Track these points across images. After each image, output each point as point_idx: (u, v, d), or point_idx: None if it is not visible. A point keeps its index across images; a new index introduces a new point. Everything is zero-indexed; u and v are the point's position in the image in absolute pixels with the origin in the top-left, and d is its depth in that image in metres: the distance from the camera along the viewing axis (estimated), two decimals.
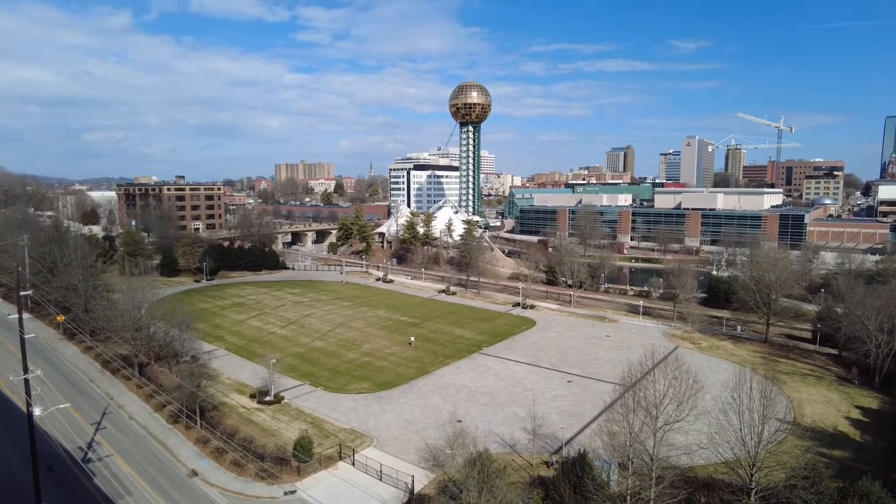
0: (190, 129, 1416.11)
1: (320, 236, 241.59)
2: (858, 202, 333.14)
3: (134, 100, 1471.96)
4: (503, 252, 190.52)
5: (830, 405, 66.06)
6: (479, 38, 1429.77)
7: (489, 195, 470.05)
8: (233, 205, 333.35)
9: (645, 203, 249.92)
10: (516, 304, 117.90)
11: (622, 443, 43.02)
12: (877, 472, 44.32)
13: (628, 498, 41.22)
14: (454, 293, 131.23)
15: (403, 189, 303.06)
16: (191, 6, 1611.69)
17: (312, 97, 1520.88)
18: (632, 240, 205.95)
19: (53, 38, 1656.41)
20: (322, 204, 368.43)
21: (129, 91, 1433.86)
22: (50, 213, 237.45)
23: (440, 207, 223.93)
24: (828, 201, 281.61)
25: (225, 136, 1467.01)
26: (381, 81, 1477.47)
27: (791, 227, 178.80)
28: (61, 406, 50.78)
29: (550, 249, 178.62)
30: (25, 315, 64.84)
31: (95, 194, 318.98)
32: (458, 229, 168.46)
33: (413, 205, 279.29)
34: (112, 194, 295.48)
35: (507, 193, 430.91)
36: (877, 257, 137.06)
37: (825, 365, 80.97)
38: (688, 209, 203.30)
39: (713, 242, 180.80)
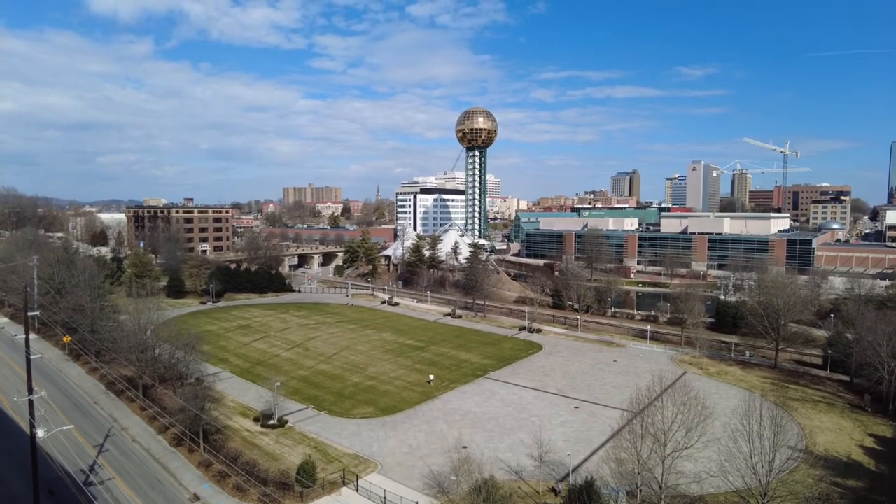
0: (202, 152, 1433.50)
1: (327, 259, 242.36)
2: (866, 228, 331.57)
3: (148, 124, 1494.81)
4: (509, 275, 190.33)
5: (843, 433, 64.78)
6: (490, 66, 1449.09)
7: (495, 219, 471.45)
8: (240, 227, 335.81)
9: (651, 227, 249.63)
10: (522, 328, 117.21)
11: (630, 470, 42.37)
12: (893, 503, 43.20)
13: None
14: (460, 316, 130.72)
15: (410, 212, 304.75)
16: (211, 34, 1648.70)
17: (324, 123, 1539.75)
18: (638, 264, 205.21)
19: (76, 65, 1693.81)
20: (329, 227, 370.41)
21: (144, 115, 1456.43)
22: (60, 234, 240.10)
23: (446, 230, 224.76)
24: (835, 226, 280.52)
25: (236, 159, 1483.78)
26: (392, 108, 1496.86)
27: (799, 251, 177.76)
28: (64, 428, 50.64)
29: (556, 273, 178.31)
30: (32, 336, 65.07)
31: (105, 216, 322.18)
32: (464, 252, 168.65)
33: (419, 228, 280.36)
34: (121, 216, 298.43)
35: (512, 217, 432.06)
36: (887, 282, 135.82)
37: (837, 392, 79.62)
38: (694, 233, 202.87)
39: (720, 267, 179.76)
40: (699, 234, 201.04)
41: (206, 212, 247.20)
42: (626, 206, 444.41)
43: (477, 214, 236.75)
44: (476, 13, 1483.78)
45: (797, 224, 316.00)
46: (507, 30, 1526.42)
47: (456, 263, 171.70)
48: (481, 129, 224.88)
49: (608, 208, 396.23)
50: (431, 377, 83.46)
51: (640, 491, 42.03)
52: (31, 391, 42.14)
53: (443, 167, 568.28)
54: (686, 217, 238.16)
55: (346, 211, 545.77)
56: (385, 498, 48.32)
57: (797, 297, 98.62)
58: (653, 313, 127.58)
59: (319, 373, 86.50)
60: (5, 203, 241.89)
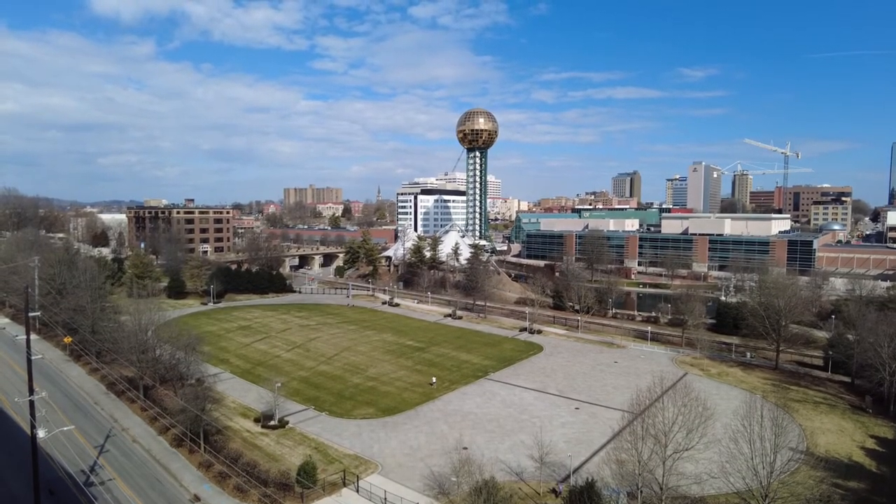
0: (203, 153, 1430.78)
1: (327, 259, 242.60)
2: (867, 229, 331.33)
3: (150, 125, 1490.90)
4: (510, 276, 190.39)
5: (844, 434, 64.71)
6: (492, 67, 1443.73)
7: (495, 219, 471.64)
8: (241, 228, 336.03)
9: (652, 228, 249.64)
10: (523, 329, 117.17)
11: (631, 471, 42.34)
12: None
13: None
14: (460, 317, 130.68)
15: (411, 213, 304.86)
16: (213, 35, 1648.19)
17: (325, 124, 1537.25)
18: (639, 265, 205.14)
19: (78, 66, 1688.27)
20: (330, 227, 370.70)
21: (146, 116, 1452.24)
22: (61, 235, 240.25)
23: (447, 231, 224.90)
24: (836, 227, 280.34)
25: (237, 160, 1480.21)
26: (393, 108, 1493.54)
27: (800, 252, 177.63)
28: (65, 428, 50.65)
29: (557, 274, 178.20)
30: (33, 336, 65.10)
31: (106, 217, 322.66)
32: (465, 253, 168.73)
33: (420, 229, 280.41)
34: (122, 217, 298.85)
35: (513, 218, 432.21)
36: (888, 283, 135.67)
37: (838, 393, 79.54)
38: (695, 234, 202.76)
39: (721, 268, 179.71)
40: (700, 235, 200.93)
41: (207, 213, 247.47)
42: (627, 206, 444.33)
43: (477, 215, 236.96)
44: (477, 14, 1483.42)
45: (798, 225, 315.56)
46: (509, 31, 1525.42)
47: (456, 264, 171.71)
48: (482, 130, 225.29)
49: (609, 209, 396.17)
50: (434, 379, 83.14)
51: (641, 492, 42.01)
52: (31, 392, 42.17)
53: (444, 168, 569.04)
54: (687, 218, 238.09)
55: (347, 212, 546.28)
56: (385, 499, 48.29)
57: (798, 299, 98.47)
58: (653, 314, 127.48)
59: (320, 374, 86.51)
60: (6, 204, 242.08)
